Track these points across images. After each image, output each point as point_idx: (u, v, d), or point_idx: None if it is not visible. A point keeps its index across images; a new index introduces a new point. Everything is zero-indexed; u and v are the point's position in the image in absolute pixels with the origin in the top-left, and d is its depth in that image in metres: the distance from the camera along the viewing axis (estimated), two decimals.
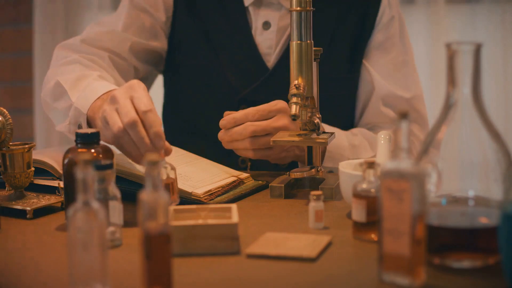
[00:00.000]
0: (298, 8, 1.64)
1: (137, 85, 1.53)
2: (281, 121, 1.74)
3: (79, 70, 1.83)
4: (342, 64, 1.98)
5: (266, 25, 1.97)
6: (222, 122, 1.73)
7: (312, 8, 1.64)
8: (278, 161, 1.80)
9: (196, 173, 1.69)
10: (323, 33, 1.93)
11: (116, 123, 1.48)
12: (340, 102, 2.00)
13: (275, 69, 1.97)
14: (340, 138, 1.88)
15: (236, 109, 1.95)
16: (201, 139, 2.01)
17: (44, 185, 1.67)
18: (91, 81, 1.74)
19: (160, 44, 2.02)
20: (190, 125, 2.06)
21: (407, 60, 2.01)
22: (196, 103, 2.03)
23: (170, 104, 2.11)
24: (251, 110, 1.73)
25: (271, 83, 1.96)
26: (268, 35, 1.97)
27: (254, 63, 1.97)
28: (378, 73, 1.98)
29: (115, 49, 1.96)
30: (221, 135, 1.74)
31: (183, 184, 1.61)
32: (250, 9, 1.98)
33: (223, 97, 1.99)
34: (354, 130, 1.96)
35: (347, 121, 2.03)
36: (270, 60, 1.98)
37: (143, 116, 1.47)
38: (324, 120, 1.72)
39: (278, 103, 1.74)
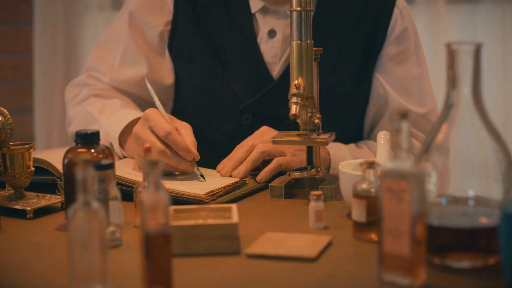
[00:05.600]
0: (298, 8, 1.63)
1: (151, 114, 1.69)
2: (264, 136, 1.79)
3: (98, 100, 1.95)
4: (350, 77, 1.92)
5: (272, 33, 1.92)
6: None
7: (312, 8, 1.64)
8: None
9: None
10: (332, 45, 1.88)
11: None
12: (345, 115, 1.94)
13: (279, 80, 1.92)
14: (342, 152, 1.85)
15: (239, 119, 1.93)
16: (205, 147, 1.99)
17: (43, 183, 1.67)
18: (117, 108, 1.90)
19: (165, 58, 2.00)
20: (194, 132, 2.04)
21: (421, 72, 1.95)
22: (199, 111, 1.99)
23: (173, 112, 2.09)
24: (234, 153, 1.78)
25: (275, 94, 1.91)
26: (273, 43, 1.92)
27: (258, 72, 1.93)
28: (391, 87, 1.92)
29: (118, 86, 2.00)
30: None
31: (192, 189, 1.62)
32: (257, 16, 1.93)
33: (226, 105, 1.95)
34: (359, 143, 1.94)
35: (350, 135, 1.97)
36: (275, 69, 1.92)
37: (165, 140, 1.66)
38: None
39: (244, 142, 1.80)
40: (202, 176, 1.69)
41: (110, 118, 1.87)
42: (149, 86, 1.76)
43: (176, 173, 1.73)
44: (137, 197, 1.46)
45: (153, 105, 1.76)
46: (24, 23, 3.37)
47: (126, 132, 1.83)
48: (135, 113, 1.86)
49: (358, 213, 1.38)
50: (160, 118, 1.68)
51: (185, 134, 1.71)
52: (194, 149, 1.69)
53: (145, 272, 1.12)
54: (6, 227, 1.48)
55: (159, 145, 1.66)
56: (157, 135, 1.67)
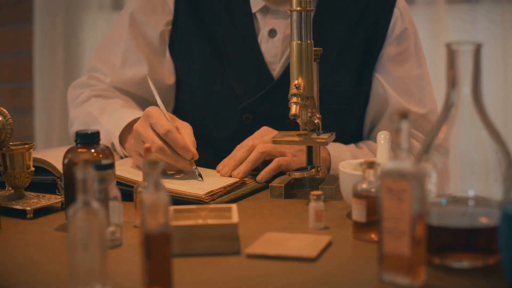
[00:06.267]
0: (298, 8, 1.63)
1: (152, 111, 1.70)
2: (264, 136, 1.79)
3: (100, 101, 1.95)
4: (350, 77, 1.92)
5: (272, 33, 1.92)
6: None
7: (312, 8, 1.64)
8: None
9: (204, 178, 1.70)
10: (332, 45, 1.88)
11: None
12: (345, 115, 1.94)
13: (280, 79, 1.91)
14: (343, 153, 1.85)
15: (239, 118, 1.93)
16: (205, 147, 1.99)
17: (43, 183, 1.67)
18: (118, 107, 1.90)
19: (166, 58, 2.00)
20: (194, 132, 2.03)
21: (421, 73, 1.95)
22: (199, 111, 1.99)
23: (174, 112, 2.08)
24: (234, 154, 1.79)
25: (275, 93, 1.91)
26: (274, 43, 1.92)
27: (258, 72, 1.92)
28: (392, 88, 1.92)
29: (119, 86, 2.00)
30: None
31: (192, 189, 1.62)
32: (258, 15, 1.93)
33: (226, 105, 1.95)
34: (360, 143, 1.94)
35: (350, 135, 1.96)
36: (275, 69, 1.92)
37: (165, 138, 1.67)
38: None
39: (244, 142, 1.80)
40: (200, 175, 1.69)
41: (111, 118, 1.87)
42: (151, 84, 1.76)
43: (173, 172, 1.73)
44: (137, 197, 1.46)
45: (154, 104, 1.76)
46: (24, 23, 3.37)
47: (126, 132, 1.83)
48: (136, 112, 1.86)
49: (358, 213, 1.38)
50: (161, 116, 1.69)
51: (185, 133, 1.71)
52: (193, 149, 1.69)
53: (145, 272, 1.12)
54: (6, 227, 1.48)
55: (159, 142, 1.67)
56: (157, 132, 1.68)
